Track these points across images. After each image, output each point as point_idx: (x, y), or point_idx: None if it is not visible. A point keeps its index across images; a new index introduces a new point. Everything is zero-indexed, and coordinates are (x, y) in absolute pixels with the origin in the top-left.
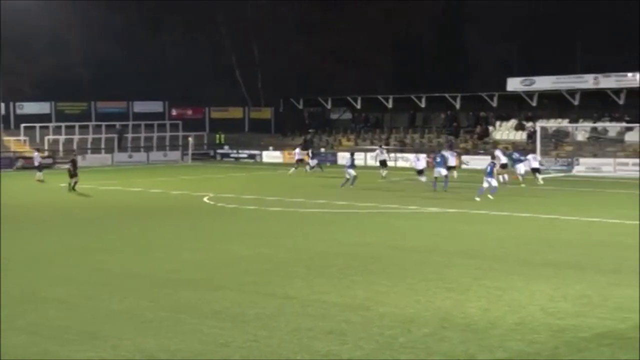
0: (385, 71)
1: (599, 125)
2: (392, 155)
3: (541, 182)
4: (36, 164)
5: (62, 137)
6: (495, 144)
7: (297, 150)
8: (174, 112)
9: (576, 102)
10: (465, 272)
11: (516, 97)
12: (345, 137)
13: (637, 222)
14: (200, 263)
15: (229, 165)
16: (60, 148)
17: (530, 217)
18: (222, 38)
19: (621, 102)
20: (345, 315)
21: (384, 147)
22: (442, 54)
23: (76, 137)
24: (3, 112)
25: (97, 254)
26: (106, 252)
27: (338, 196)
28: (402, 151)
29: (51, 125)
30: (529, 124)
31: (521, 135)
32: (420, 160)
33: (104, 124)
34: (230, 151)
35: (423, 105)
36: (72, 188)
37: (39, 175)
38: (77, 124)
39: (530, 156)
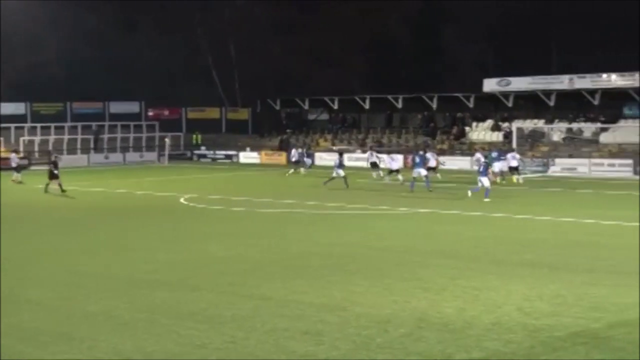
0: (361, 72)
1: (575, 125)
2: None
3: (521, 181)
4: (14, 165)
5: (37, 138)
6: (471, 145)
7: (294, 151)
8: (150, 113)
9: (552, 103)
10: (442, 272)
11: (492, 97)
12: (323, 138)
13: (612, 223)
14: (177, 264)
15: (206, 166)
16: (36, 149)
17: (506, 217)
18: (199, 38)
19: (596, 102)
20: (321, 315)
21: (374, 149)
22: (419, 54)
23: (52, 138)
24: None
25: (73, 255)
26: (82, 253)
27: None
28: (379, 152)
29: (26, 125)
30: (505, 125)
31: (497, 136)
32: (394, 161)
33: (80, 124)
34: (207, 152)
35: (400, 105)
36: (47, 190)
37: (16, 176)
38: (52, 125)
39: (509, 155)
